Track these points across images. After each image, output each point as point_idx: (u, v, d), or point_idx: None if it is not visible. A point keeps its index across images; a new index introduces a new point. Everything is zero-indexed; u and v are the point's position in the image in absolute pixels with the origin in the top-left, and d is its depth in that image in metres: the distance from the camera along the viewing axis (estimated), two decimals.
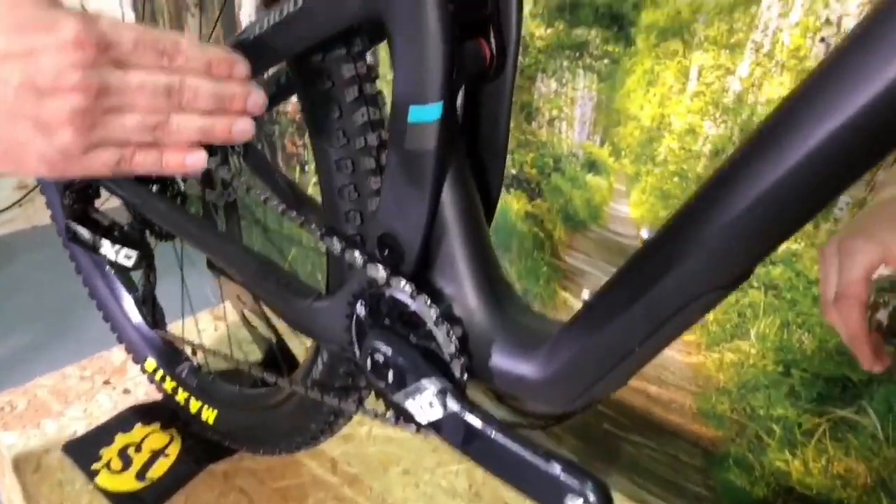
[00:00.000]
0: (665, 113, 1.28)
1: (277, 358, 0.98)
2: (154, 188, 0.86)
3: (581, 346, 0.51)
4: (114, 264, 0.87)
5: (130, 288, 1.06)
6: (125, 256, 0.85)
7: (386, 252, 0.60)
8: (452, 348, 0.56)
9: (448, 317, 0.58)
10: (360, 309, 0.62)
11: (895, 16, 0.33)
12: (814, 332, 1.19)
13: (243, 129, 0.46)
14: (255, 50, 0.59)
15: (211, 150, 0.92)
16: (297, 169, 2.08)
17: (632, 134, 1.35)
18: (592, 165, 1.42)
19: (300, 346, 1.07)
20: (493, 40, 0.54)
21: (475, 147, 0.61)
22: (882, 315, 1.06)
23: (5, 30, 0.36)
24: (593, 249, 1.48)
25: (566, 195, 1.47)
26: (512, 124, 0.59)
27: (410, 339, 0.58)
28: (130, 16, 2.50)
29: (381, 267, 0.59)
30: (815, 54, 1.07)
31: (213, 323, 1.38)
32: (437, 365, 0.57)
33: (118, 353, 1.27)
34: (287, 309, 0.71)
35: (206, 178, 0.96)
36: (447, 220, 0.58)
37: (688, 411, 1.41)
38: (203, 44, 0.43)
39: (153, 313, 1.00)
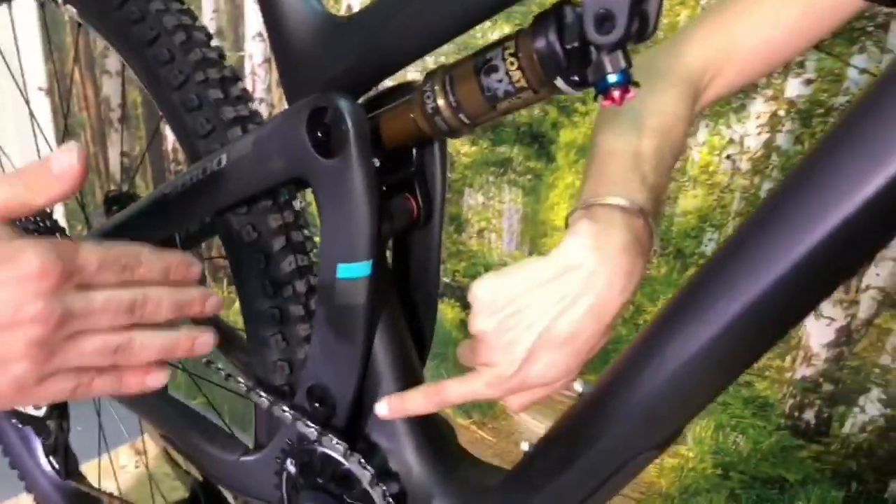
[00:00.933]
0: None
1: (207, 498, 0.92)
2: None
3: (522, 502, 0.50)
4: (21, 415, 0.81)
5: (41, 432, 0.98)
6: (34, 406, 0.79)
7: (316, 404, 0.58)
8: None
9: (384, 473, 0.55)
10: (291, 466, 0.59)
11: (801, 190, 0.35)
12: (748, 434, 1.21)
13: (205, 342, 0.45)
14: (177, 205, 0.58)
15: None
16: (225, 282, 2.04)
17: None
18: None
19: None
20: (418, 194, 0.55)
21: (406, 292, 0.61)
22: (809, 415, 1.08)
23: None
24: None
25: None
26: (443, 235, 0.59)
27: (345, 500, 0.56)
28: (50, 132, 2.46)
29: (311, 424, 0.56)
30: (723, 170, 1.14)
31: (132, 458, 1.29)
32: None
33: (27, 499, 1.16)
34: (212, 464, 0.66)
35: None
36: (380, 371, 0.57)
37: None
38: (159, 250, 0.42)
39: (65, 462, 0.93)
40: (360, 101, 0.51)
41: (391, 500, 0.54)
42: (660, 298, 1.26)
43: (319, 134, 0.49)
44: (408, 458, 0.57)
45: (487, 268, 1.50)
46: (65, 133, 1.62)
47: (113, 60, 2.20)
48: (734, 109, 1.11)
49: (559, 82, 0.41)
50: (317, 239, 0.64)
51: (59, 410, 0.85)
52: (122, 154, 2.31)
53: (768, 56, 0.56)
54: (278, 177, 0.52)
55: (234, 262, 0.62)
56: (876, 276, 1.05)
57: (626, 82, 0.40)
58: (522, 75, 0.42)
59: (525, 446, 0.52)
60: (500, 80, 0.42)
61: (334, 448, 0.55)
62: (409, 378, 0.58)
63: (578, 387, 0.48)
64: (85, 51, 2.27)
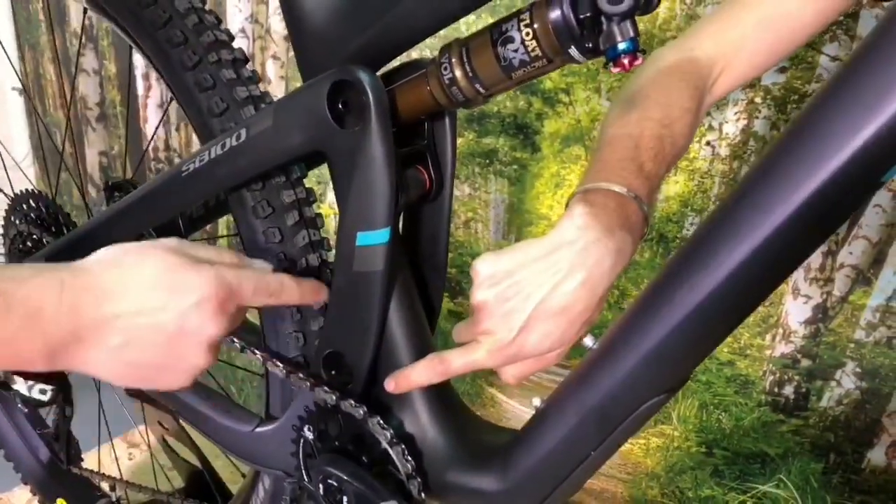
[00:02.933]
0: None
1: (209, 485, 0.93)
2: None
3: (536, 455, 0.52)
4: (26, 400, 0.81)
5: (38, 424, 0.99)
6: (40, 391, 0.80)
7: (333, 372, 0.60)
8: (409, 468, 0.56)
9: (401, 435, 0.58)
10: (308, 433, 0.61)
11: (799, 142, 0.38)
12: (730, 412, 1.25)
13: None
14: (196, 181, 0.59)
15: None
16: None
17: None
18: None
19: (225, 471, 1.02)
20: (430, 167, 0.58)
21: (417, 263, 0.64)
22: (789, 390, 1.13)
23: (164, 289, 0.45)
24: None
25: None
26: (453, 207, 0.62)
27: (363, 461, 0.58)
28: (24, 132, 2.43)
29: (329, 390, 0.58)
30: (703, 156, 1.18)
31: (126, 451, 1.30)
32: (392, 485, 0.57)
33: (21, 494, 1.16)
34: (226, 437, 0.68)
35: None
36: (395, 337, 0.59)
37: (620, 499, 1.43)
38: (296, 278, 0.54)
39: (68, 449, 0.93)
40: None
41: (409, 458, 0.56)
42: (644, 282, 1.30)
43: (340, 106, 0.51)
44: (422, 421, 0.59)
45: (474, 258, 1.53)
46: (66, 127, 1.61)
47: (90, 59, 2.19)
48: None
49: (572, 51, 0.44)
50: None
51: (64, 395, 0.86)
52: (101, 154, 2.30)
53: (775, 47, 0.58)
54: (297, 150, 0.55)
55: (247, 237, 0.64)
56: (849, 254, 1.10)
57: (635, 50, 0.43)
58: (538, 45, 0.44)
59: (537, 402, 0.55)
60: (516, 50, 0.45)
61: (353, 412, 0.57)
62: (422, 345, 0.61)
63: (588, 341, 0.51)
64: (61, 49, 2.25)
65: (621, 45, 0.42)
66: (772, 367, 1.20)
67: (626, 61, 0.43)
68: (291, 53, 1.68)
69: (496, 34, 0.46)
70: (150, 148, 2.11)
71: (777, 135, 1.11)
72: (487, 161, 1.44)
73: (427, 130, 0.57)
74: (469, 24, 1.23)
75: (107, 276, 0.44)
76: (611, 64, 0.43)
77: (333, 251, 0.59)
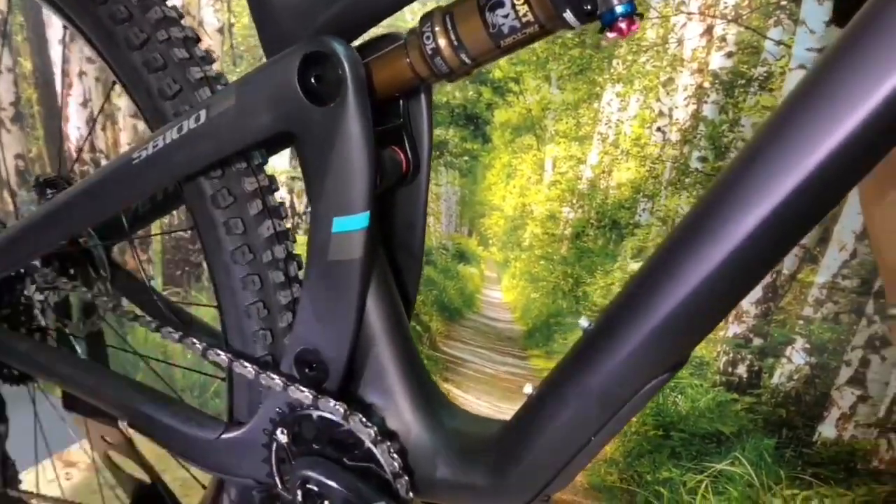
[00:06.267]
0: (526, 202, 1.36)
1: (161, 501, 0.87)
2: (5, 326, 0.75)
3: (533, 444, 0.50)
4: None
5: None
6: None
7: (306, 370, 0.57)
8: (395, 466, 0.52)
9: (384, 432, 0.54)
10: (281, 436, 0.57)
11: (807, 106, 0.37)
12: (686, 394, 1.27)
13: None
14: (148, 169, 0.54)
15: (71, 274, 0.82)
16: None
17: (497, 223, 1.41)
18: (462, 256, 1.46)
19: (174, 485, 0.96)
20: (407, 147, 0.55)
21: (392, 250, 0.60)
22: (742, 369, 1.15)
23: None
24: (470, 336, 1.50)
25: (440, 286, 1.49)
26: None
27: (344, 462, 0.54)
28: None
29: (305, 388, 0.55)
30: (655, 142, 1.19)
31: (63, 470, 1.21)
32: (378, 486, 0.53)
33: None
34: (188, 446, 0.63)
35: (64, 308, 0.86)
36: (373, 329, 0.56)
37: (579, 488, 1.43)
38: None
39: (3, 470, 0.85)
40: None
41: (395, 456, 0.53)
42: (598, 270, 1.31)
43: (312, 81, 0.47)
44: (406, 417, 0.56)
45: (427, 253, 1.50)
46: None
47: (3, 56, 2.04)
48: (663, 83, 1.17)
49: (567, 14, 0.42)
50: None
51: None
52: (18, 157, 2.15)
53: None
54: (264, 131, 0.50)
55: (206, 230, 0.59)
56: None
57: (632, 13, 0.41)
58: (530, 9, 0.42)
59: (528, 389, 0.52)
60: (507, 16, 0.43)
61: (333, 411, 0.54)
62: (402, 338, 0.58)
63: (584, 322, 0.49)
64: None
65: (619, 8, 0.40)
66: (725, 347, 1.22)
67: (623, 25, 0.41)
68: (226, 47, 1.61)
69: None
70: (74, 149, 1.98)
71: (726, 119, 1.13)
72: (438, 153, 1.42)
73: (402, 108, 0.54)
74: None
75: None
76: (606, 29, 0.41)
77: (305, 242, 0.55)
